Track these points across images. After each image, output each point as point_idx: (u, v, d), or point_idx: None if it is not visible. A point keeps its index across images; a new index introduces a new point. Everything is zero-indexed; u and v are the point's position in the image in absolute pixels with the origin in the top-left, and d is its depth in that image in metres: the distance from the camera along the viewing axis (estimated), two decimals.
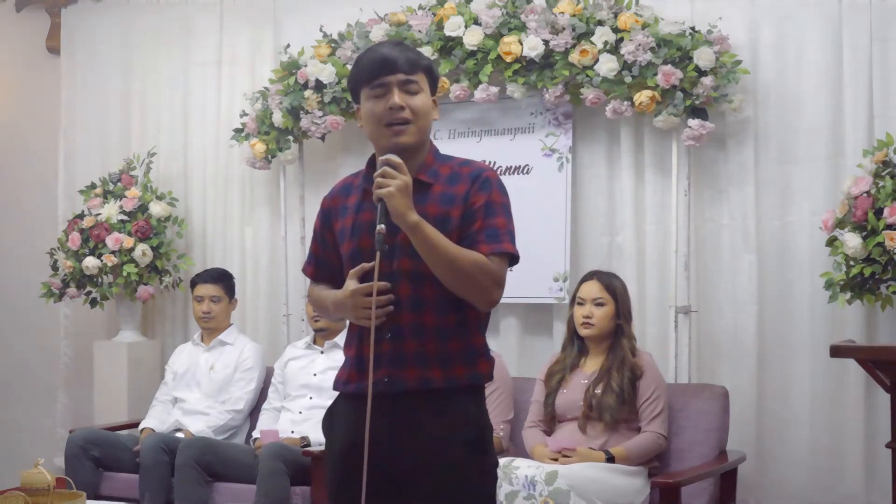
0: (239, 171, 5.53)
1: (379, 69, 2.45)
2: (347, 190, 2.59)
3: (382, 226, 2.33)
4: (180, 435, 4.77)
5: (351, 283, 2.43)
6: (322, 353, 4.78)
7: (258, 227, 5.51)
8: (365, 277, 2.42)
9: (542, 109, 4.76)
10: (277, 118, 5.10)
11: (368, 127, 2.50)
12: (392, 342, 2.38)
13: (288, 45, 5.23)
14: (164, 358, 5.46)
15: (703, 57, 4.31)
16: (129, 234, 5.40)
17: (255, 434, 4.79)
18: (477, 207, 2.43)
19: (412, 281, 2.41)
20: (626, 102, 4.46)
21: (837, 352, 3.54)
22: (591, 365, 4.13)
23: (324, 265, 2.63)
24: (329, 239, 2.60)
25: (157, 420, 4.97)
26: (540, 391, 4.23)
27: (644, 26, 4.43)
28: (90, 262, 5.38)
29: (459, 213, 2.44)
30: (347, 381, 2.51)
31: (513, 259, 2.46)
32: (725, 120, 4.50)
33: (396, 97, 2.43)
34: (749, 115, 4.46)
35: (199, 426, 4.82)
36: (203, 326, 5.09)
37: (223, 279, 5.11)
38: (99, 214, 5.46)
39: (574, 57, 4.48)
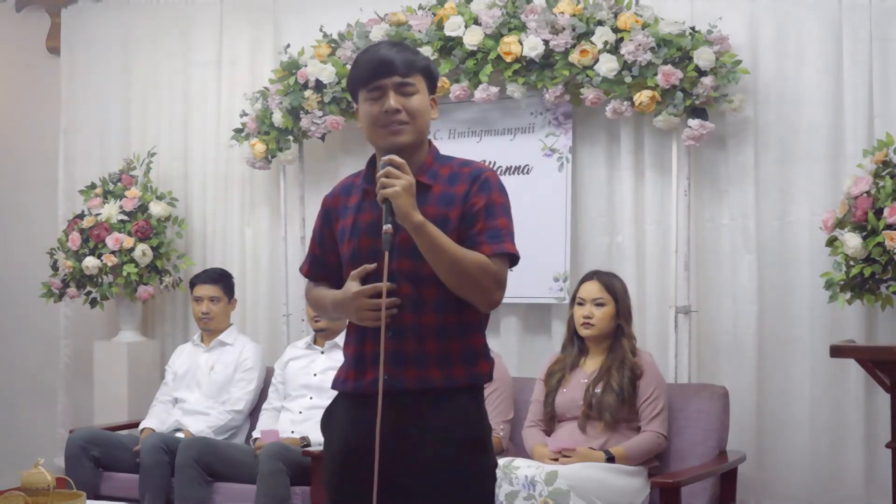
0: (239, 171, 5.53)
1: (375, 71, 2.45)
2: (348, 190, 2.59)
3: (389, 225, 2.33)
4: (180, 435, 4.77)
5: (353, 285, 2.42)
6: (322, 353, 4.78)
7: (258, 227, 5.51)
8: (367, 279, 2.42)
9: (542, 109, 4.76)
10: (277, 118, 5.10)
11: (365, 129, 2.50)
12: (393, 342, 2.37)
13: (288, 45, 5.23)
14: (164, 358, 5.47)
15: (703, 57, 4.31)
16: (129, 234, 5.40)
17: (256, 434, 4.79)
18: (478, 209, 2.43)
19: (412, 281, 2.41)
20: (626, 102, 4.45)
21: (837, 352, 3.54)
22: (591, 364, 4.13)
23: (320, 264, 2.63)
24: (328, 238, 2.59)
25: (157, 420, 4.97)
26: (540, 391, 4.23)
27: (644, 26, 4.43)
28: (90, 262, 5.38)
29: (458, 213, 2.43)
30: (346, 380, 2.51)
31: (513, 260, 2.46)
32: (725, 120, 4.50)
33: (392, 100, 2.43)
34: (749, 115, 4.46)
35: (199, 426, 4.82)
36: (202, 327, 5.09)
37: (222, 279, 5.11)
38: (99, 214, 5.46)
39: (574, 57, 4.48)
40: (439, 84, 3.16)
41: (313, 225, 2.67)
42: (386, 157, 2.39)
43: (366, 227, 2.47)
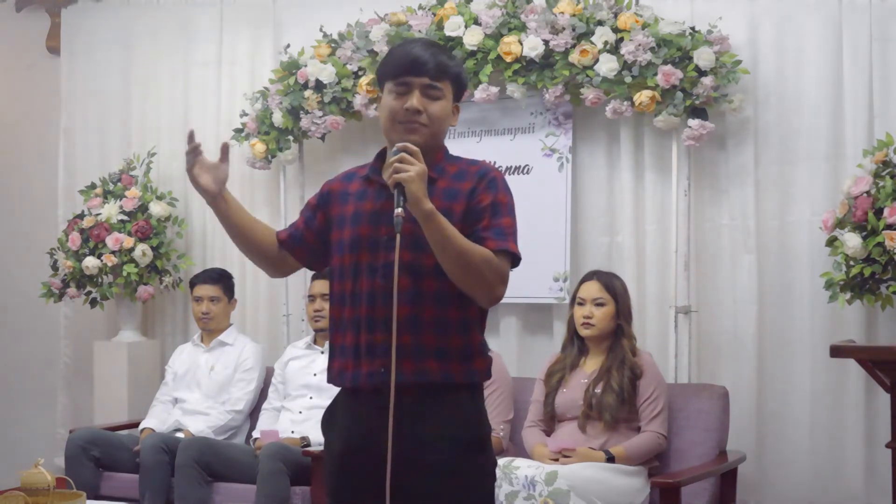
0: (239, 171, 5.51)
1: (406, 67, 2.46)
2: (350, 178, 2.60)
3: (401, 209, 2.32)
4: (180, 435, 4.77)
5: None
6: (322, 353, 4.77)
7: None
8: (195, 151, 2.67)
9: (542, 109, 4.76)
10: (277, 118, 5.10)
11: (383, 121, 2.51)
12: (387, 333, 2.35)
13: (288, 45, 5.23)
14: (164, 358, 5.47)
15: (703, 57, 4.31)
16: (129, 234, 5.40)
17: (255, 434, 4.79)
18: (484, 206, 2.44)
19: (412, 274, 2.40)
20: (626, 102, 4.45)
21: (837, 352, 3.54)
22: (591, 364, 4.13)
23: (298, 239, 2.63)
24: (318, 219, 2.61)
25: (157, 420, 4.96)
26: (540, 391, 4.23)
27: (644, 26, 4.43)
28: (90, 262, 5.38)
29: (462, 208, 2.44)
30: (343, 370, 2.49)
31: (515, 260, 2.46)
32: (725, 120, 4.49)
33: (415, 100, 2.44)
34: (749, 115, 4.46)
35: (199, 426, 4.82)
36: (202, 327, 5.09)
37: (222, 279, 5.11)
38: (99, 214, 5.46)
39: (574, 57, 4.48)
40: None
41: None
42: (400, 144, 2.38)
43: (368, 215, 2.47)
